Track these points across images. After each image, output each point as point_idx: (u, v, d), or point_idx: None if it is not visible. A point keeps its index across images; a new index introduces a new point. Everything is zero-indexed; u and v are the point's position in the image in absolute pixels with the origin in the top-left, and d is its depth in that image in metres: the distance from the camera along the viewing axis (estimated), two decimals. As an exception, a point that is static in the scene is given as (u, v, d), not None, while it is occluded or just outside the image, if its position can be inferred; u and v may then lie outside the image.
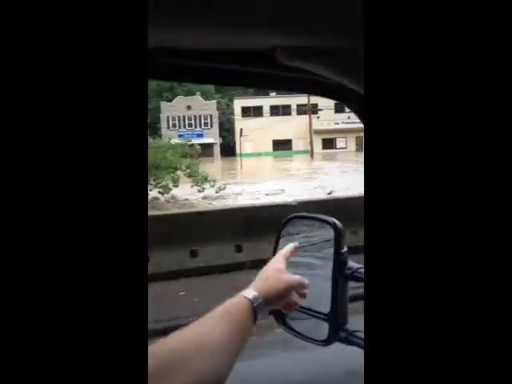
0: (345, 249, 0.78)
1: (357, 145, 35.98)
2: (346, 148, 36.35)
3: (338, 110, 35.88)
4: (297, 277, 0.77)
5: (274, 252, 0.85)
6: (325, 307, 0.78)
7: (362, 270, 0.76)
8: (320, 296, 0.79)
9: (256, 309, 0.71)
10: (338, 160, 27.81)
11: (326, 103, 35.90)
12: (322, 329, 0.79)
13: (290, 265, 0.81)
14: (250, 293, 0.73)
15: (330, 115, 36.29)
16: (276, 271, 0.78)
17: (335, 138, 37.27)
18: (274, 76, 0.84)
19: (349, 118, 35.68)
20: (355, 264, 0.78)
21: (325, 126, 36.91)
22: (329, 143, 37.27)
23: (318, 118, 37.27)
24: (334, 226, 0.79)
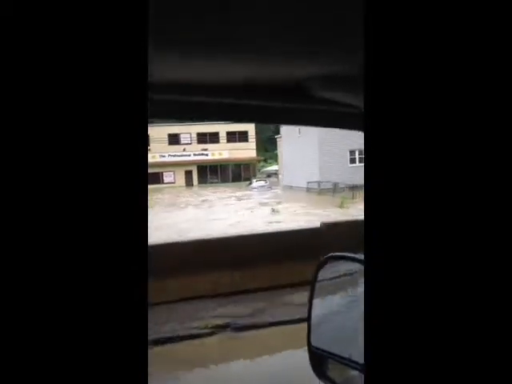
0: None
1: (186, 179, 36.56)
2: (174, 183, 36.58)
3: (173, 142, 35.96)
4: None
5: (311, 296, 0.82)
6: (360, 356, 0.77)
7: None
8: (356, 344, 0.79)
9: None
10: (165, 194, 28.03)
11: (158, 135, 35.75)
12: (360, 381, 0.78)
13: (329, 311, 0.80)
14: None
15: (163, 148, 36.16)
16: None
17: (162, 173, 37.27)
18: (304, 110, 0.85)
19: (184, 150, 36.03)
20: None
21: (149, 160, 36.59)
22: (155, 178, 37.07)
23: (150, 150, 36.87)
24: None
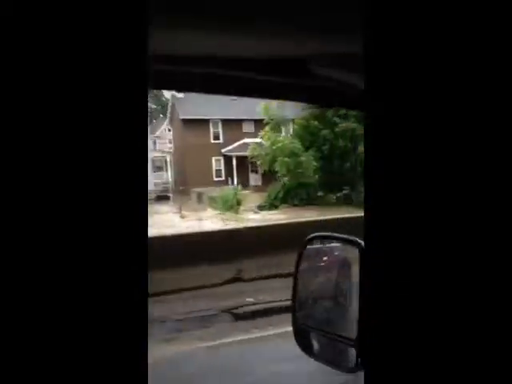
0: None
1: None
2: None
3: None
4: None
5: (296, 271, 0.88)
6: (351, 332, 0.81)
7: None
8: (345, 320, 0.84)
9: None
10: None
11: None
12: (350, 355, 0.82)
13: (313, 289, 0.86)
14: None
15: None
16: None
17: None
18: (304, 87, 0.88)
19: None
20: None
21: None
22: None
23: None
24: (357, 245, 0.84)
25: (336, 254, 0.90)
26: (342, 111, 18.03)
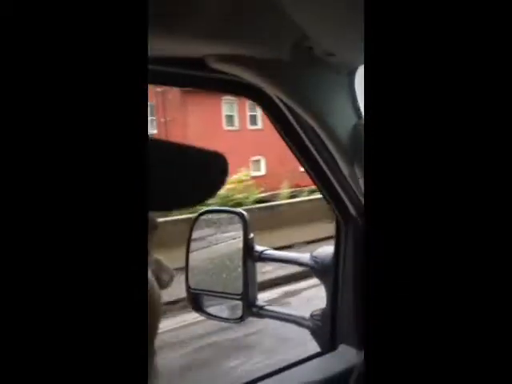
0: (251, 235, 1.00)
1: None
2: None
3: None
4: None
5: (189, 243, 0.99)
6: (237, 288, 0.98)
7: (268, 252, 1.00)
8: (232, 279, 0.99)
9: None
10: None
11: None
12: (236, 308, 0.98)
13: (206, 256, 0.98)
14: None
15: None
16: None
17: None
18: (204, 77, 1.03)
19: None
20: (261, 247, 1.01)
21: None
22: None
23: None
24: (241, 216, 0.99)
25: (223, 224, 1.04)
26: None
